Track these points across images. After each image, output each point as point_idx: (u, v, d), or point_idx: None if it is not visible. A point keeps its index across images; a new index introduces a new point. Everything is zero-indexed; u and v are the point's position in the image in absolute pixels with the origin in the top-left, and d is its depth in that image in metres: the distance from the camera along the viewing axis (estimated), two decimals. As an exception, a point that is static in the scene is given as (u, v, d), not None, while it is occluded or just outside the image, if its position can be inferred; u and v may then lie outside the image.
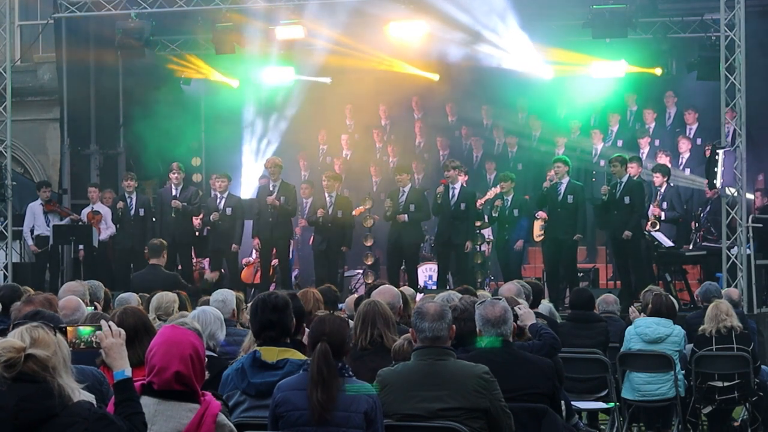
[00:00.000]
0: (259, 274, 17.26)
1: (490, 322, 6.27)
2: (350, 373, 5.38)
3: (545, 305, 10.01)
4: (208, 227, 16.64)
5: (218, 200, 16.62)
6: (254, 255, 17.45)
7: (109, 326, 4.65)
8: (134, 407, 4.45)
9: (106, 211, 17.26)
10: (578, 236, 15.64)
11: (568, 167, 15.80)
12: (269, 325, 5.99)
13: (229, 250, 16.57)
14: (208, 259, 17.23)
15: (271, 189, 16.38)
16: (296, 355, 5.92)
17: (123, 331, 4.68)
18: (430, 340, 5.73)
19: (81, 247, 17.02)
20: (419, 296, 10.99)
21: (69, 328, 4.75)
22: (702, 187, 16.75)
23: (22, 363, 4.07)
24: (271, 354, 5.88)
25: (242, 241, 16.76)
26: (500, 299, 6.68)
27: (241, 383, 5.82)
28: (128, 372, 4.54)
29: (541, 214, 16.17)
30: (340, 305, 9.67)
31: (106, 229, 17.17)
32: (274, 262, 16.84)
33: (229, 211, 16.49)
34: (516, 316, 7.23)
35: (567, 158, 16.26)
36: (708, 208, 16.45)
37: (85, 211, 17.39)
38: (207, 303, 8.21)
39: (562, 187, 15.55)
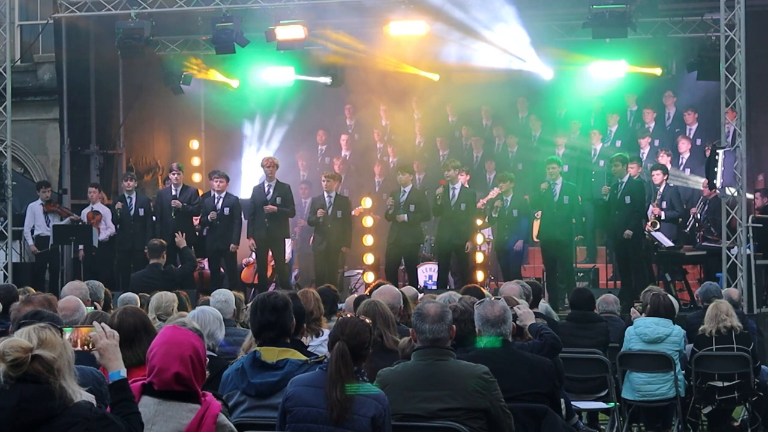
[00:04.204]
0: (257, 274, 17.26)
1: (490, 322, 6.28)
2: (365, 378, 5.37)
3: (542, 305, 10.03)
4: (207, 227, 16.65)
5: (216, 200, 16.62)
6: (254, 256, 17.45)
7: (102, 327, 4.65)
8: (131, 407, 4.46)
9: (106, 211, 17.27)
10: (578, 237, 15.64)
11: (560, 167, 15.93)
12: (269, 326, 5.99)
13: (227, 250, 16.57)
14: (207, 259, 17.23)
15: (266, 189, 16.40)
16: (296, 355, 5.92)
17: (116, 333, 4.68)
18: (430, 341, 5.73)
19: (81, 247, 17.03)
20: (421, 296, 10.99)
21: (82, 329, 4.75)
22: (698, 186, 16.81)
23: (28, 363, 4.08)
24: (271, 354, 5.89)
25: (240, 241, 16.76)
26: (500, 299, 6.69)
27: (241, 383, 5.83)
28: (123, 373, 4.55)
29: (540, 214, 16.20)
30: (339, 305, 9.66)
31: (106, 229, 17.17)
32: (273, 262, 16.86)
33: (227, 211, 16.51)
34: (515, 316, 7.24)
35: (559, 159, 16.39)
36: (706, 208, 16.48)
37: (85, 211, 17.39)
38: (207, 303, 8.22)
39: (557, 188, 15.67)
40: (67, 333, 4.59)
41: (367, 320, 5.56)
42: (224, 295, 8.69)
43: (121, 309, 5.95)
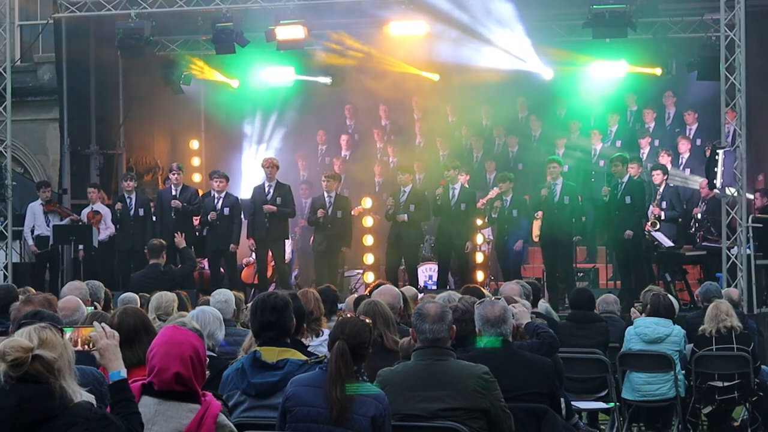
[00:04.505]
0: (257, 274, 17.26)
1: (490, 322, 6.28)
2: (365, 378, 5.37)
3: (542, 305, 10.04)
4: (207, 227, 16.66)
5: (216, 200, 16.62)
6: (254, 256, 17.45)
7: (102, 327, 4.65)
8: (131, 407, 4.46)
9: (105, 211, 17.27)
10: (578, 237, 15.64)
11: (561, 167, 15.95)
12: (269, 326, 5.99)
13: (227, 250, 16.57)
14: (207, 259, 17.23)
15: (266, 189, 16.40)
16: (296, 355, 5.92)
17: (116, 333, 4.68)
18: (430, 341, 5.73)
19: (81, 247, 17.03)
20: (421, 296, 10.99)
21: (82, 329, 4.75)
22: (697, 186, 16.81)
23: (28, 363, 4.07)
24: (271, 354, 5.89)
25: (240, 241, 16.76)
26: (500, 299, 6.69)
27: (241, 383, 5.83)
28: (123, 373, 4.55)
29: (540, 214, 16.21)
30: (339, 305, 9.66)
31: (106, 229, 17.17)
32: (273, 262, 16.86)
33: (226, 211, 16.51)
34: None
35: (560, 158, 16.43)
36: (705, 208, 16.50)
37: (85, 211, 17.39)
38: (207, 303, 8.22)
39: (558, 188, 15.69)
40: (68, 333, 4.59)
41: (367, 320, 5.56)
42: (224, 295, 8.68)
43: (121, 309, 5.95)
